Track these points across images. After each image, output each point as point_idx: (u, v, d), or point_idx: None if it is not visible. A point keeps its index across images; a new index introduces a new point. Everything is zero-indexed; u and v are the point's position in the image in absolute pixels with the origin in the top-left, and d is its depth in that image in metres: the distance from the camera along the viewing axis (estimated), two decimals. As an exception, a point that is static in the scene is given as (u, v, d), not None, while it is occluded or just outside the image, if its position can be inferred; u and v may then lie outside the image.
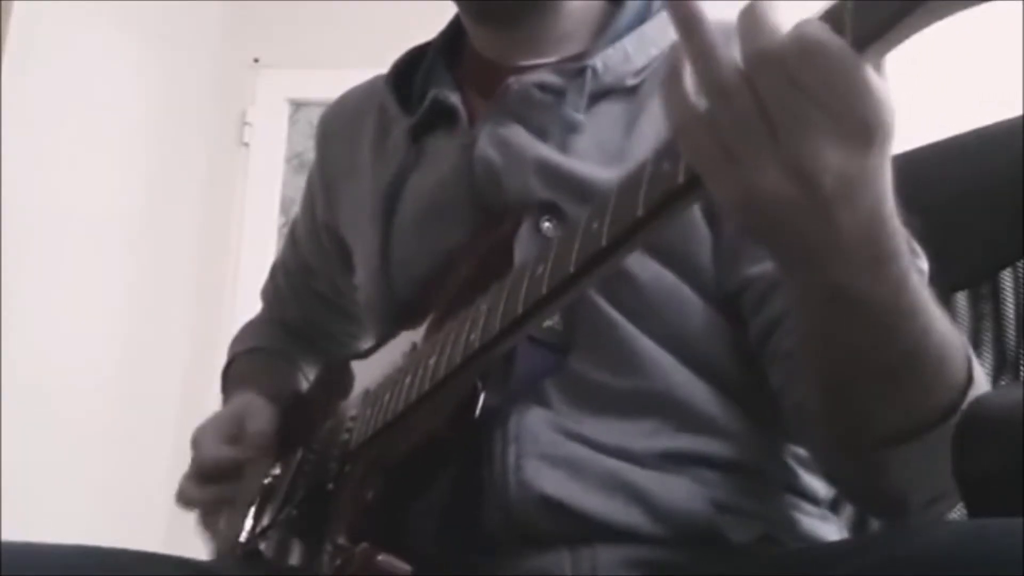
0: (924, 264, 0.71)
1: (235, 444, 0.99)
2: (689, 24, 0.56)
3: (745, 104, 0.54)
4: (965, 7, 0.50)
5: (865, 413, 0.68)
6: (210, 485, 0.98)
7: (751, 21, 0.54)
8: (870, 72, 0.52)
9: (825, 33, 0.52)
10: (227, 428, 1.00)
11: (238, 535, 0.99)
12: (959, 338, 0.67)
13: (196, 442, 1.00)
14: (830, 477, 0.82)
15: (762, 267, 0.80)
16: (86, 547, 0.85)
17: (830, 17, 0.53)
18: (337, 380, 1.02)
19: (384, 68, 1.04)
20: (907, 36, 0.51)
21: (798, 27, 0.53)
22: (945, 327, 0.65)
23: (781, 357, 0.79)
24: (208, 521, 1.01)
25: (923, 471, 0.69)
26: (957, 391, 0.66)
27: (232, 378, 1.17)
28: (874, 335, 0.62)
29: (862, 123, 0.53)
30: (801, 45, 0.52)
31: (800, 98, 0.53)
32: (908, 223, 0.61)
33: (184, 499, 0.99)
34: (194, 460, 0.99)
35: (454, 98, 0.93)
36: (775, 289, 0.79)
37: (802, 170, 0.54)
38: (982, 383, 0.69)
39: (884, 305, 0.61)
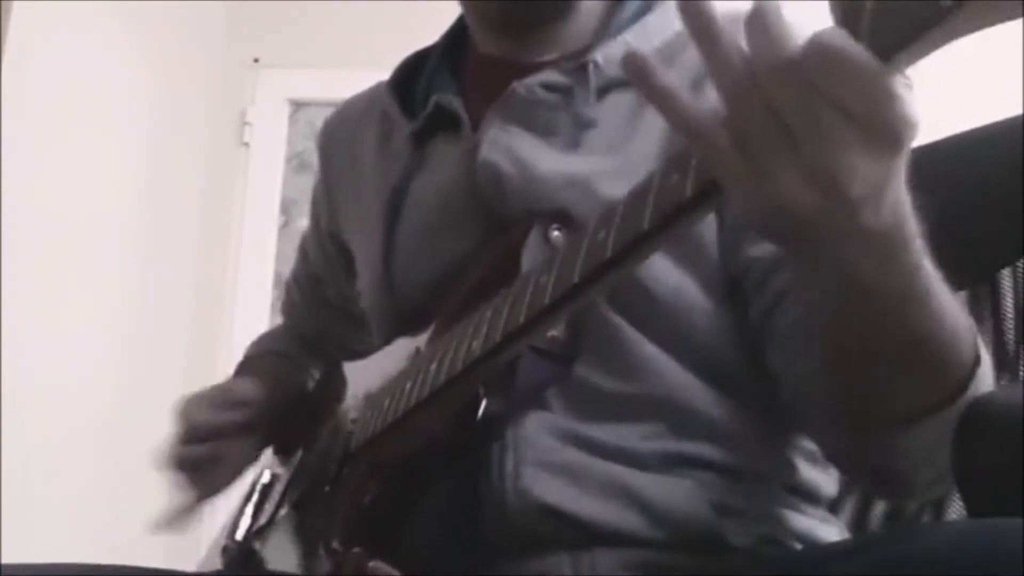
0: None
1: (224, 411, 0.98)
2: (704, 33, 0.55)
3: (763, 113, 0.53)
4: (990, 25, 0.48)
5: (876, 395, 0.68)
6: (199, 444, 0.97)
7: (758, 27, 0.53)
8: (894, 79, 0.51)
9: (847, 42, 0.51)
10: (214, 397, 1.00)
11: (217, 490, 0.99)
12: (966, 318, 0.67)
13: (183, 411, 0.99)
14: (834, 458, 0.82)
15: (763, 248, 0.80)
16: (85, 565, 0.85)
17: (847, 24, 0.51)
18: (339, 382, 1.02)
19: (385, 68, 1.04)
20: (928, 51, 0.49)
21: (818, 35, 0.51)
22: (954, 308, 0.65)
23: (781, 336, 0.79)
24: (195, 481, 0.99)
25: (930, 451, 0.69)
26: (967, 369, 0.67)
27: (240, 375, 1.17)
28: (887, 321, 0.62)
29: (889, 130, 0.52)
30: (822, 54, 0.51)
31: (821, 107, 0.51)
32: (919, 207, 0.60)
33: (175, 461, 0.97)
34: (181, 425, 0.98)
35: (456, 103, 0.93)
36: (777, 268, 0.79)
37: (827, 178, 0.53)
38: (987, 363, 0.69)
39: (898, 292, 0.60)
